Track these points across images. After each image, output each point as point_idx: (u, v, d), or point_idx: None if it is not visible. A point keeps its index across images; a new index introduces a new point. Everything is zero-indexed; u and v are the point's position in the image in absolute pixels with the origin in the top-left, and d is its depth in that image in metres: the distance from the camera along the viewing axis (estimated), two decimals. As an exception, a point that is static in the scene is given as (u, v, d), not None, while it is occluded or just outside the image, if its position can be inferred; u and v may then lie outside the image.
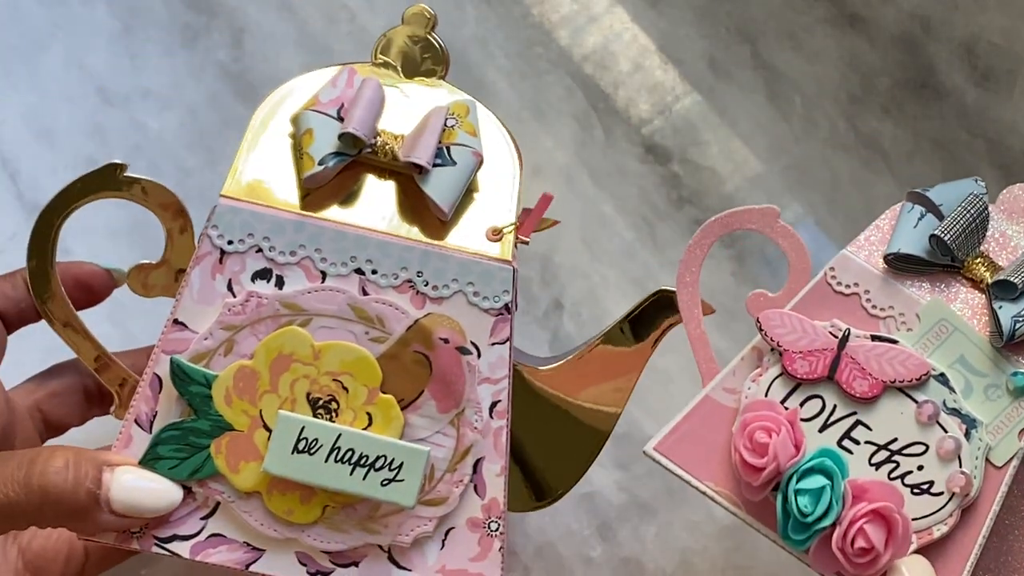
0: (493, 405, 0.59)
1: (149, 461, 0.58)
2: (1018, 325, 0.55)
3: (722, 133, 0.80)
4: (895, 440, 0.55)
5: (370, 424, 0.58)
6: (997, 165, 0.80)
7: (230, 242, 0.59)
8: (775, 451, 0.54)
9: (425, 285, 0.59)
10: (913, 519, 0.55)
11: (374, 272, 0.59)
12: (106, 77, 0.78)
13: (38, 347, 0.63)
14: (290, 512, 0.58)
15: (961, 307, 0.57)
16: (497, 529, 0.59)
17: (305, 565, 0.59)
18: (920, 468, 0.55)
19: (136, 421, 0.58)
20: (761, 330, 0.57)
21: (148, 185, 0.61)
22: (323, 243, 0.59)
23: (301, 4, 0.80)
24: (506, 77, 0.76)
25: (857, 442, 0.56)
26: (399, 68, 0.62)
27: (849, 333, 0.56)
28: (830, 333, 0.56)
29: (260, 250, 0.59)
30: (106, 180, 0.61)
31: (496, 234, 0.59)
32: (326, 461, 0.57)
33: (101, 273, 0.63)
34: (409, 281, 0.59)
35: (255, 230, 0.59)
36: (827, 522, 0.54)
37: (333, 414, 0.58)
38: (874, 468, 0.55)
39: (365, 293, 0.59)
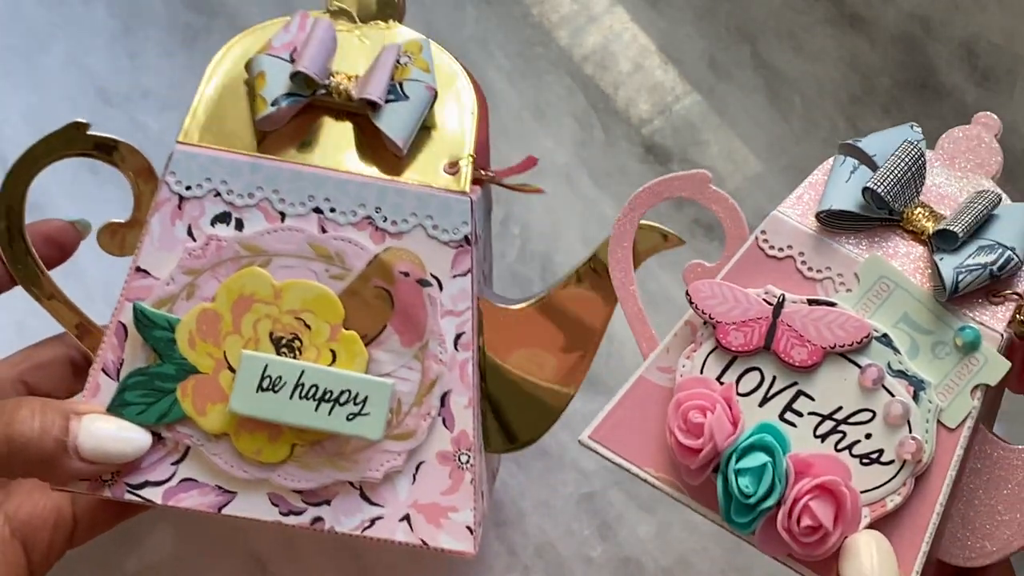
0: (458, 337, 0.59)
1: (116, 408, 0.58)
2: (961, 276, 0.51)
3: (722, 133, 0.80)
4: (840, 409, 0.52)
5: (334, 361, 0.58)
6: (997, 165, 0.80)
7: (188, 187, 0.59)
8: (711, 430, 0.51)
9: (384, 221, 0.59)
10: (864, 491, 0.51)
11: (332, 210, 0.59)
12: (106, 77, 0.78)
13: (12, 320, 0.63)
14: (259, 452, 0.58)
15: (903, 262, 0.53)
16: (467, 461, 0.59)
17: (277, 506, 0.59)
18: (868, 436, 0.51)
19: (103, 369, 0.59)
20: (691, 303, 0.54)
21: (119, 145, 0.61)
22: (280, 184, 0.59)
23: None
24: (506, 77, 0.76)
25: (800, 414, 0.52)
26: (354, 14, 0.62)
27: (784, 299, 0.52)
28: (764, 300, 0.53)
29: (218, 194, 0.59)
30: (71, 140, 0.61)
31: (452, 167, 0.59)
32: (291, 398, 0.57)
33: (67, 227, 0.63)
34: (368, 218, 0.59)
35: (212, 174, 0.59)
36: (771, 502, 0.50)
37: (296, 352, 0.58)
38: (820, 440, 0.52)
39: (324, 231, 0.59)
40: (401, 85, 0.60)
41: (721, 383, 0.53)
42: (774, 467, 0.51)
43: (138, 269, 0.59)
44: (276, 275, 0.59)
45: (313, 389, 0.57)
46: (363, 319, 0.59)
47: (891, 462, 0.51)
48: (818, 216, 0.54)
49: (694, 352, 0.53)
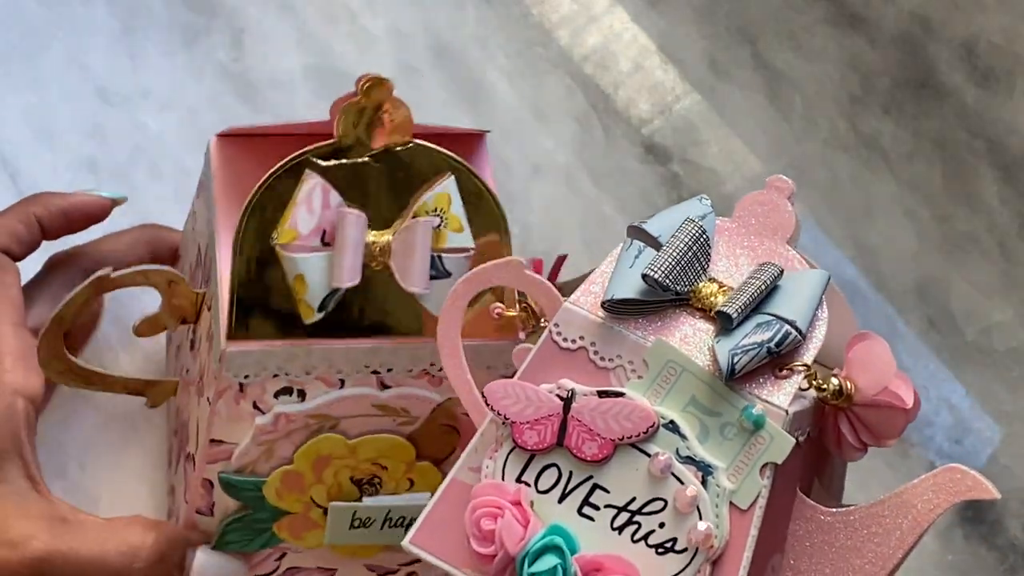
0: None
1: (222, 545, 0.63)
2: (736, 358, 0.50)
3: (722, 133, 0.80)
4: (633, 499, 0.51)
5: (412, 486, 0.63)
6: (997, 165, 0.80)
7: (246, 376, 0.60)
8: (500, 537, 0.51)
9: (439, 371, 0.61)
10: None
11: (389, 370, 0.61)
12: (106, 77, 0.78)
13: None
14: (354, 553, 0.64)
15: (691, 341, 0.52)
16: None
17: (374, 571, 0.66)
18: (662, 525, 0.51)
19: (198, 511, 0.62)
20: (488, 404, 0.53)
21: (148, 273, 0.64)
22: (335, 359, 0.60)
23: (301, 4, 0.80)
24: (506, 77, 0.76)
25: (597, 507, 0.52)
26: (365, 139, 0.60)
27: (573, 394, 0.52)
28: (556, 396, 0.52)
29: (276, 375, 0.60)
30: (100, 285, 0.62)
31: (498, 315, 0.58)
32: (381, 529, 0.62)
33: (105, 203, 0.66)
34: (424, 371, 0.61)
35: (267, 366, 0.60)
36: None
37: (377, 487, 0.63)
38: (617, 532, 0.51)
39: (385, 386, 0.61)
40: (440, 260, 0.60)
41: (523, 482, 0.52)
42: (564, 570, 0.51)
43: (212, 440, 0.61)
44: (348, 432, 0.61)
45: (401, 519, 0.62)
46: (433, 447, 0.62)
47: (684, 550, 0.51)
48: (603, 305, 0.52)
49: (496, 452, 0.53)
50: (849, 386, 0.52)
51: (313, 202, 0.59)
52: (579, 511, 0.52)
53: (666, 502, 0.51)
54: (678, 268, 0.52)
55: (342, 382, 0.60)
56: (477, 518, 0.52)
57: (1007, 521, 0.75)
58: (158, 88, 0.78)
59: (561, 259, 0.67)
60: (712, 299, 0.52)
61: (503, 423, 0.53)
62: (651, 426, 0.51)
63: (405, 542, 0.54)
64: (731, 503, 0.51)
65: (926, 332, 0.77)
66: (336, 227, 0.59)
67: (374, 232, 0.59)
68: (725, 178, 0.79)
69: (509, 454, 0.53)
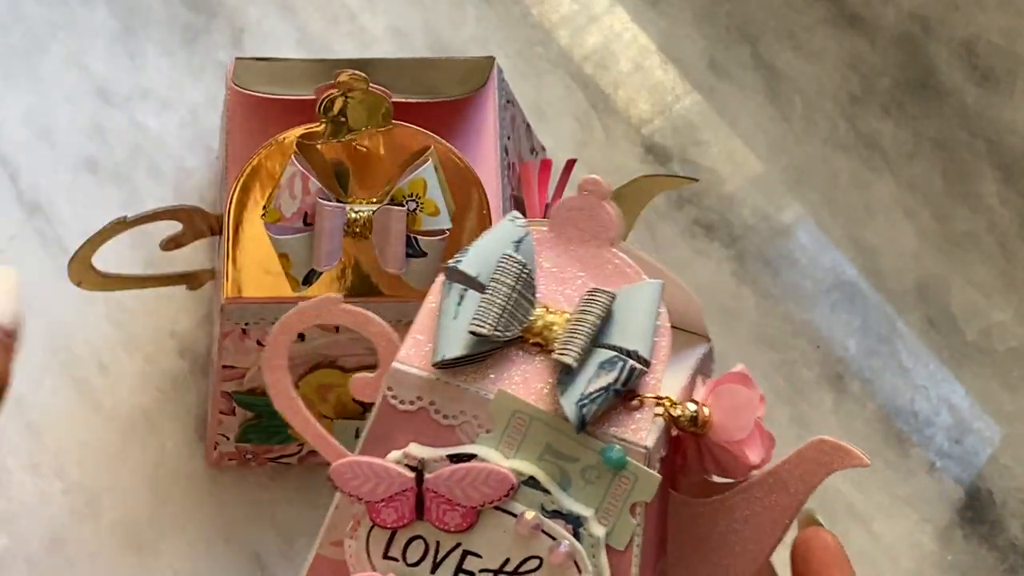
0: None
1: (242, 440, 0.70)
2: (585, 408, 0.47)
3: (722, 133, 0.80)
4: (507, 561, 0.49)
5: None
6: (997, 165, 0.80)
7: (247, 323, 0.64)
8: None
9: None
10: None
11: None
12: (106, 77, 0.78)
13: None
14: None
15: (533, 382, 0.49)
16: None
17: None
18: None
19: (221, 412, 0.68)
20: (337, 488, 0.50)
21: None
22: None
23: (301, 4, 0.80)
24: (506, 77, 0.76)
25: (472, 573, 0.50)
26: (347, 121, 0.62)
27: (423, 466, 0.49)
28: (407, 467, 0.49)
29: (275, 322, 0.62)
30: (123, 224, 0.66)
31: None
32: None
33: None
34: (410, 322, 0.62)
35: (266, 316, 0.63)
36: None
37: None
38: None
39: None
40: (416, 240, 0.61)
41: (391, 557, 0.50)
42: None
43: (224, 366, 0.65)
44: (345, 366, 0.65)
45: None
46: None
47: None
48: (434, 365, 0.49)
49: (356, 529, 0.51)
50: (706, 416, 0.50)
51: (294, 187, 0.61)
52: None
53: (541, 560, 0.49)
54: (506, 315, 0.49)
55: (337, 328, 0.62)
56: None
57: (1007, 521, 0.75)
58: (158, 88, 0.78)
59: (571, 163, 0.68)
60: (548, 332, 0.49)
61: (356, 503, 0.50)
62: (510, 488, 0.49)
63: None
64: (608, 546, 0.49)
65: (926, 332, 0.77)
66: (315, 214, 0.61)
67: (355, 209, 0.62)
68: (725, 178, 0.79)
69: (370, 531, 0.50)
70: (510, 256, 0.50)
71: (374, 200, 0.62)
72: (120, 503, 0.72)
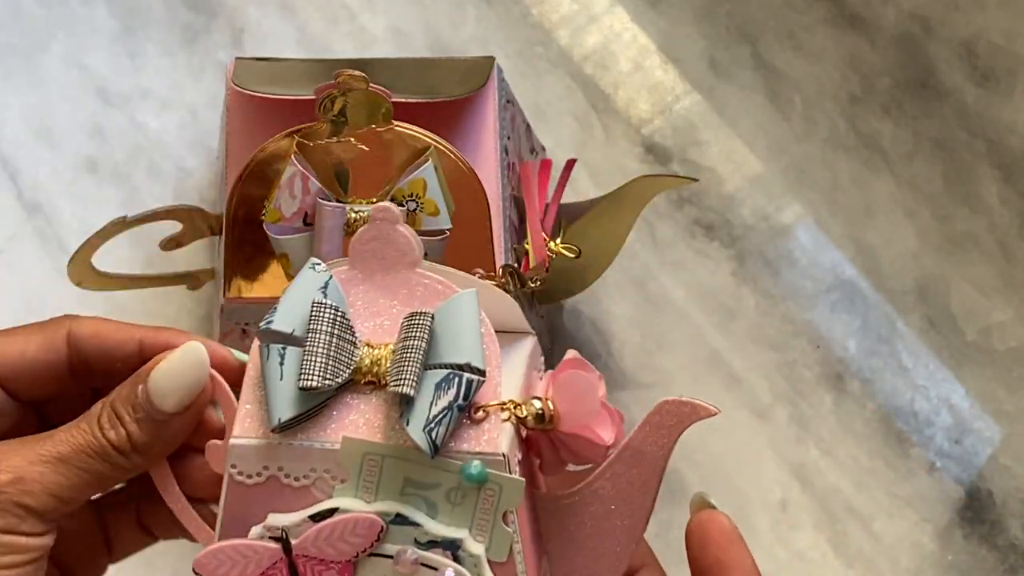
0: None
1: None
2: (434, 433, 0.47)
3: (722, 133, 0.80)
4: None
5: None
6: (997, 165, 0.80)
7: (247, 324, 0.64)
8: None
9: None
10: None
11: None
12: (106, 77, 0.78)
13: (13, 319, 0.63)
14: None
15: (378, 421, 0.49)
16: None
17: None
18: None
19: None
20: None
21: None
22: None
23: (301, 4, 0.80)
24: (506, 77, 0.76)
25: None
26: (347, 121, 0.63)
27: (287, 533, 0.48)
28: (271, 539, 0.49)
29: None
30: (122, 224, 0.66)
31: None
32: None
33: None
34: None
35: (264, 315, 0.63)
36: None
37: None
38: None
39: None
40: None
41: None
42: None
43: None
44: None
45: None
46: None
47: None
48: (273, 430, 0.49)
49: None
50: (552, 409, 0.50)
51: (294, 187, 0.62)
52: None
53: None
54: (331, 362, 0.48)
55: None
56: None
57: (1007, 521, 0.75)
58: (158, 88, 0.78)
59: (571, 163, 0.69)
60: (377, 368, 0.49)
61: None
62: (380, 531, 0.48)
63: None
64: (489, 560, 0.49)
65: (926, 332, 0.77)
66: (315, 213, 0.61)
67: (355, 209, 0.62)
68: (725, 178, 0.79)
69: None
70: (320, 303, 0.49)
71: (374, 200, 0.62)
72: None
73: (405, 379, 0.48)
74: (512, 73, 0.80)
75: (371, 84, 0.62)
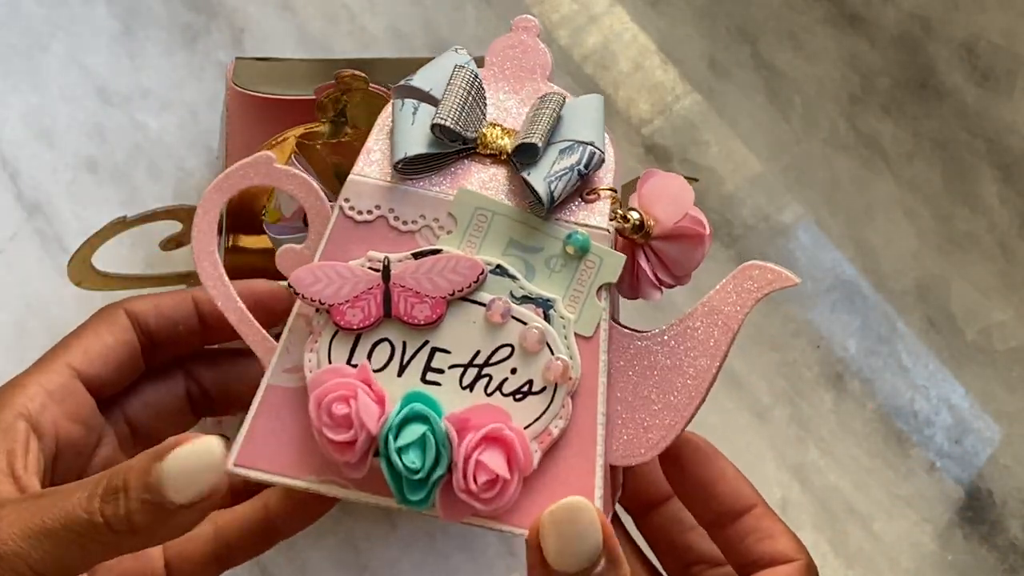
0: None
1: None
2: (553, 185, 0.49)
3: (722, 133, 0.80)
4: (478, 353, 0.49)
5: None
6: (997, 165, 0.80)
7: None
8: (359, 418, 0.48)
9: None
10: (527, 426, 0.49)
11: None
12: (106, 77, 0.78)
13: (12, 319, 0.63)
14: None
15: (489, 187, 0.51)
16: None
17: None
18: (514, 371, 0.49)
19: None
20: (296, 294, 0.50)
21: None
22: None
23: (301, 4, 0.80)
24: (506, 77, 0.76)
25: (441, 371, 0.50)
26: (347, 121, 0.63)
27: (389, 261, 0.50)
28: (370, 269, 0.50)
29: None
30: (122, 223, 0.66)
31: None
32: None
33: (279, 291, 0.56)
34: None
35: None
36: (441, 470, 0.48)
37: None
38: (468, 390, 0.49)
39: None
40: None
41: (353, 365, 0.50)
42: (434, 434, 0.48)
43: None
44: None
45: None
46: None
47: (543, 389, 0.49)
48: (395, 166, 0.50)
49: (315, 343, 0.50)
50: (649, 220, 0.51)
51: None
52: (423, 379, 0.50)
53: (512, 347, 0.50)
54: (464, 113, 0.50)
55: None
56: (327, 406, 0.49)
57: (1007, 521, 0.75)
58: (158, 88, 0.78)
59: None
60: (499, 142, 0.51)
61: (318, 309, 0.50)
62: (480, 274, 0.50)
63: (228, 465, 0.49)
64: (576, 333, 0.50)
65: (926, 332, 0.77)
66: None
67: None
68: (725, 178, 0.79)
69: (332, 340, 0.50)
70: (462, 66, 0.51)
71: None
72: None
73: (534, 133, 0.50)
74: (512, 73, 0.80)
75: (371, 84, 0.62)
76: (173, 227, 0.67)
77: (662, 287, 0.52)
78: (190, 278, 0.70)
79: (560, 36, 0.81)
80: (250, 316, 0.52)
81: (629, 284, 0.52)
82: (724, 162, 0.79)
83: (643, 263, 0.52)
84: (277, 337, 0.52)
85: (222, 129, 0.67)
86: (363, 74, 0.61)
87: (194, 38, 0.79)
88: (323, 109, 0.62)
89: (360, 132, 0.62)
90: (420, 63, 0.66)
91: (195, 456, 0.46)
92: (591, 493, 0.49)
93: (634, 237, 0.51)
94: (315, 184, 0.51)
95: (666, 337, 0.51)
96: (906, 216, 0.79)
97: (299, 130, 0.62)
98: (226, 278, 0.52)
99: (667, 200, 0.52)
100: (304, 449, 0.50)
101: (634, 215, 0.51)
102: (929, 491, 0.75)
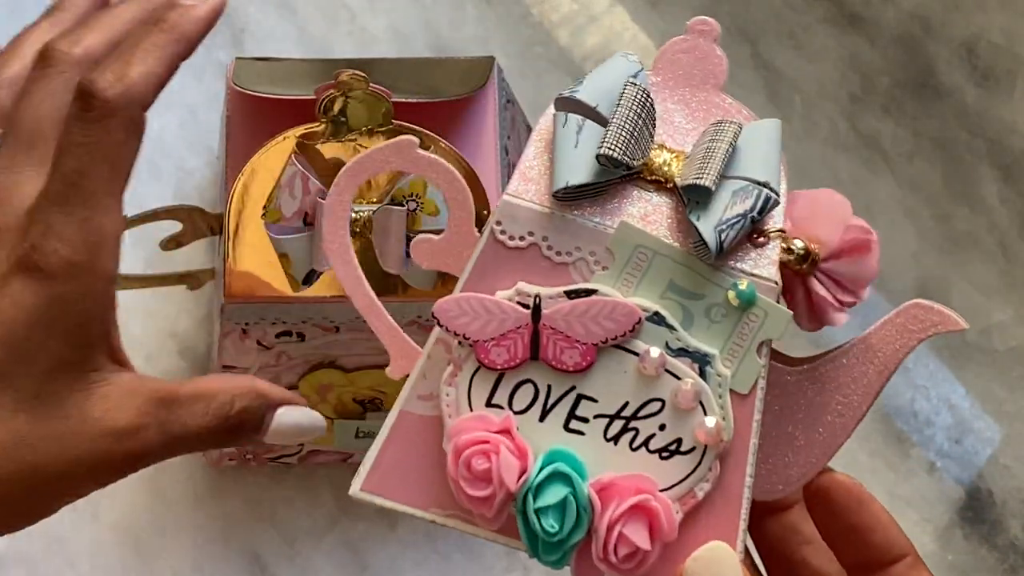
0: None
1: None
2: (724, 234, 0.45)
3: (722, 133, 0.80)
4: (626, 404, 0.46)
5: None
6: (997, 165, 0.80)
7: (247, 323, 0.63)
8: (499, 475, 0.45)
9: (427, 320, 0.61)
10: (670, 487, 0.46)
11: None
12: (106, 77, 0.78)
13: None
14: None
15: (652, 218, 0.47)
16: None
17: None
18: (662, 428, 0.46)
19: None
20: (440, 324, 0.47)
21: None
22: (328, 312, 0.63)
23: (301, 4, 0.80)
24: (506, 77, 0.76)
25: (586, 419, 0.46)
26: (347, 121, 0.62)
27: (540, 300, 0.46)
28: (519, 305, 0.46)
29: (275, 323, 0.64)
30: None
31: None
32: None
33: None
34: (412, 320, 0.62)
35: (266, 316, 0.63)
36: (579, 535, 0.46)
37: (379, 405, 0.68)
38: (612, 443, 0.46)
39: None
40: None
41: (495, 405, 0.47)
42: (576, 498, 0.46)
43: (224, 365, 0.66)
44: (346, 366, 0.66)
45: None
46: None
47: (692, 450, 0.46)
48: (556, 195, 0.46)
49: (456, 376, 0.47)
50: (812, 246, 0.47)
51: (295, 187, 0.62)
52: (566, 427, 0.47)
53: (663, 402, 0.46)
54: (632, 141, 0.46)
55: (337, 328, 0.64)
56: (467, 459, 0.46)
57: (1007, 521, 0.75)
58: (158, 88, 0.78)
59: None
60: (667, 168, 0.47)
61: (460, 344, 0.47)
62: (636, 323, 0.46)
63: (354, 490, 0.48)
64: (731, 390, 0.46)
65: (926, 332, 0.77)
66: (315, 214, 0.61)
67: (355, 208, 0.61)
68: (725, 178, 0.79)
69: (474, 375, 0.47)
70: (635, 84, 0.47)
71: (374, 200, 0.62)
72: (120, 503, 0.71)
73: (707, 173, 0.46)
74: (512, 73, 0.80)
75: (371, 84, 0.62)
76: (173, 227, 0.67)
77: (845, 308, 0.49)
78: (189, 278, 0.70)
79: (560, 36, 0.81)
80: (380, 306, 0.49)
81: (808, 317, 0.49)
82: (724, 162, 0.79)
83: (819, 290, 0.48)
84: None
85: (222, 129, 0.67)
86: (363, 74, 0.61)
87: (194, 38, 0.79)
88: (323, 109, 0.62)
89: (362, 134, 0.62)
90: (420, 63, 0.66)
91: (298, 420, 0.51)
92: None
93: (801, 268, 0.47)
94: (457, 174, 0.48)
95: (817, 373, 0.49)
96: (906, 216, 0.79)
97: (299, 130, 0.62)
98: (356, 260, 0.50)
99: (824, 217, 0.48)
100: (433, 480, 0.47)
101: (797, 244, 0.47)
102: (929, 491, 0.75)
